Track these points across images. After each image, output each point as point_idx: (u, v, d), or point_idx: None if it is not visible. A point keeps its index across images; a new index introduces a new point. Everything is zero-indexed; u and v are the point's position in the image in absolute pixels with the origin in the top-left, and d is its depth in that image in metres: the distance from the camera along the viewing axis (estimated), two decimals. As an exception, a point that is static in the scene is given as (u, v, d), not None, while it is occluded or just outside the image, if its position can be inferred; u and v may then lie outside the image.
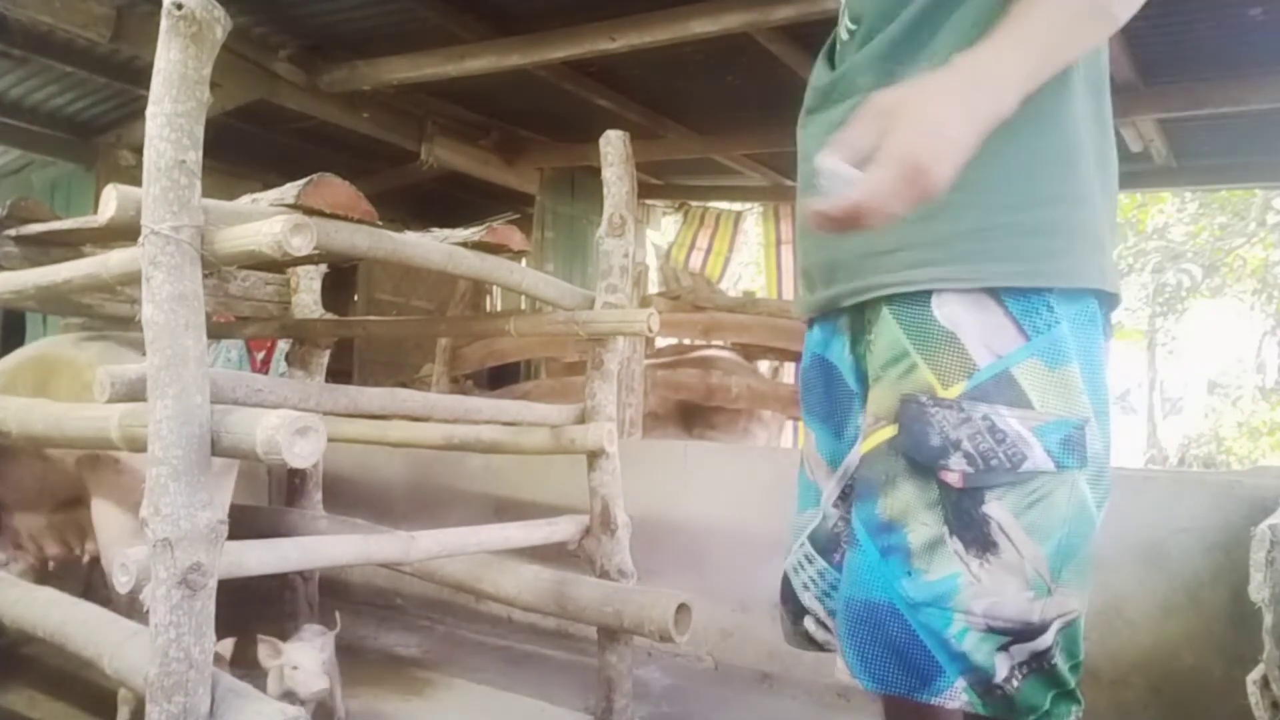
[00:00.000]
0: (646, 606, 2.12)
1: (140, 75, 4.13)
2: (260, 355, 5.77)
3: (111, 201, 1.56)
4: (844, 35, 1.12)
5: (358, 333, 4.32)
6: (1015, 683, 0.94)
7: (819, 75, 1.16)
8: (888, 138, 0.79)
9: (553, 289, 2.35)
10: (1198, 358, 16.24)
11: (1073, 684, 0.97)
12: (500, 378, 5.67)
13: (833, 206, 0.80)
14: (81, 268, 1.90)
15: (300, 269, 2.78)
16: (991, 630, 0.93)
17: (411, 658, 3.04)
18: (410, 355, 6.50)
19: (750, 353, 5.00)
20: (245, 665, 2.11)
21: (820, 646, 1.16)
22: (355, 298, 6.69)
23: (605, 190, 2.42)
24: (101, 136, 5.33)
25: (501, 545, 2.28)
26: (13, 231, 2.28)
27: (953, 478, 0.93)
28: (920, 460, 0.94)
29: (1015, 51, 0.84)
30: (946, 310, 0.96)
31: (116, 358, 2.16)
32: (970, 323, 0.95)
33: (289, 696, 1.99)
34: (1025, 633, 0.93)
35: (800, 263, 1.19)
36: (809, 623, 1.16)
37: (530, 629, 3.26)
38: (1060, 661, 0.96)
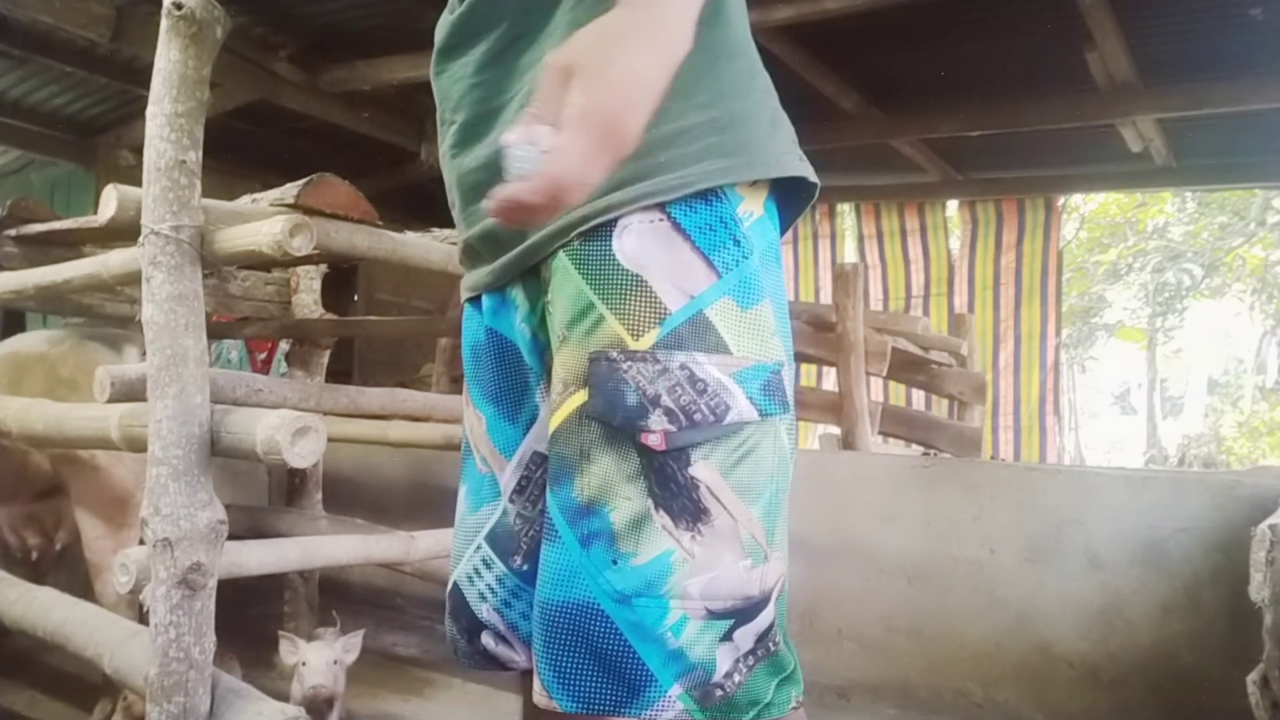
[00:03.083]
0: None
1: (140, 75, 4.13)
2: (261, 356, 5.77)
3: (111, 201, 1.57)
4: None
5: (358, 333, 4.33)
6: (738, 677, 0.84)
7: (451, 6, 1.01)
8: (570, 98, 0.69)
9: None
10: (1198, 358, 16.25)
11: (793, 664, 0.88)
12: (500, 378, 5.66)
13: (523, 189, 0.68)
14: (81, 268, 1.90)
15: (300, 269, 2.78)
16: (711, 615, 0.83)
17: (411, 658, 3.04)
18: (410, 355, 6.49)
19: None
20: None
21: (502, 665, 1.01)
22: (355, 298, 6.70)
23: (605, 190, 2.41)
24: (101, 136, 5.33)
25: (501, 545, 2.28)
26: (13, 231, 2.28)
27: (654, 439, 0.82)
28: (616, 424, 0.83)
29: None
30: (629, 249, 0.85)
31: (90, 354, 2.16)
32: (656, 261, 0.84)
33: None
34: (746, 610, 0.84)
35: (461, 236, 1.04)
36: (487, 638, 1.01)
37: (530, 629, 3.26)
38: (783, 640, 0.87)
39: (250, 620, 2.63)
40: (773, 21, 3.69)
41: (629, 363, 0.83)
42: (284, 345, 5.34)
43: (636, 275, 0.84)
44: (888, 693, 2.76)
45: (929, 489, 2.84)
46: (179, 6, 1.39)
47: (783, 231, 0.96)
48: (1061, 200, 6.86)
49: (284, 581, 2.78)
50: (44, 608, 1.80)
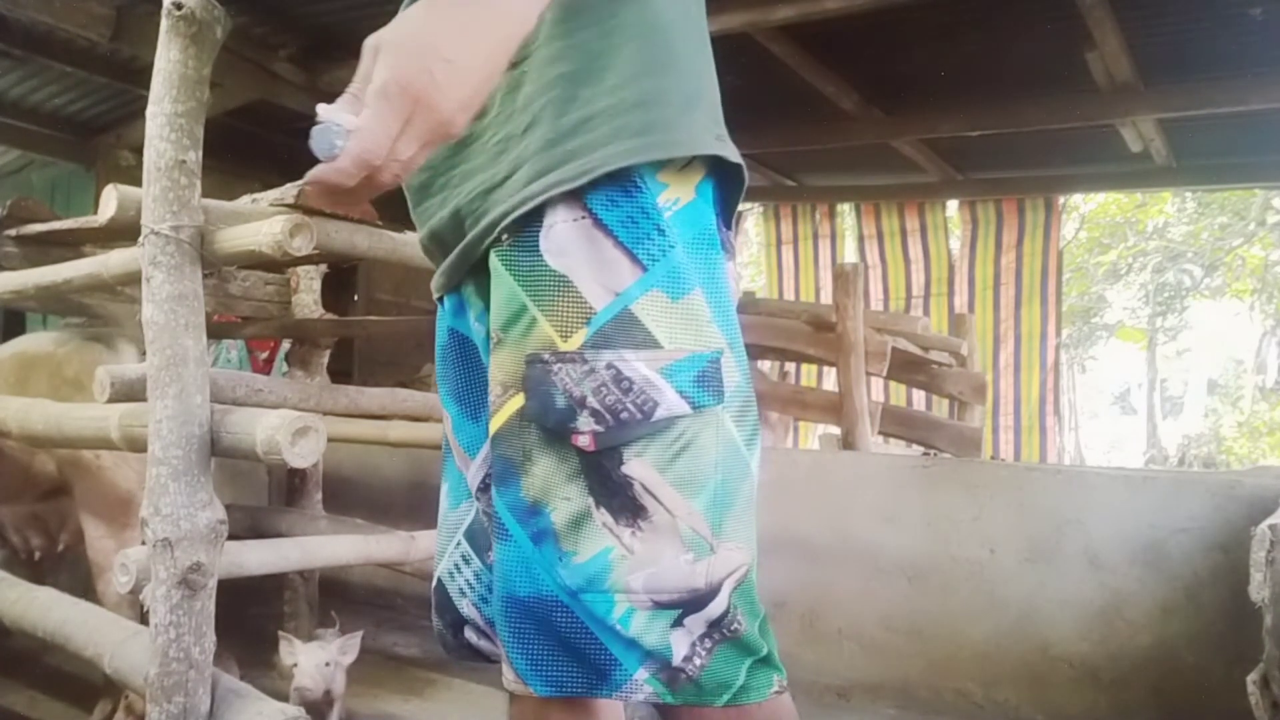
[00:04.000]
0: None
1: (140, 75, 4.13)
2: (264, 355, 5.76)
3: (111, 201, 1.57)
4: None
5: (358, 333, 4.33)
6: (699, 660, 0.84)
7: None
8: (374, 75, 0.68)
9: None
10: (1198, 358, 16.24)
11: (766, 649, 0.87)
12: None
13: (328, 170, 0.68)
14: (81, 268, 1.90)
15: (300, 269, 2.78)
16: (658, 606, 0.83)
17: (411, 658, 3.04)
18: (410, 355, 6.49)
19: (751, 353, 4.99)
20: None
21: (486, 658, 1.03)
22: (355, 298, 6.69)
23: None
24: (101, 136, 5.33)
25: (501, 545, 2.27)
26: (13, 231, 2.28)
27: (584, 440, 0.82)
28: (550, 427, 0.83)
29: None
30: (555, 250, 0.84)
31: (95, 355, 2.17)
32: (581, 260, 0.84)
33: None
34: (693, 602, 0.84)
35: (420, 240, 1.03)
36: (470, 633, 1.02)
37: (530, 629, 3.26)
38: (746, 625, 0.86)
39: (250, 620, 2.63)
40: (773, 21, 3.69)
41: (559, 364, 0.83)
42: (285, 345, 5.34)
43: (563, 276, 0.84)
44: (888, 693, 2.76)
45: (929, 489, 2.84)
46: (179, 6, 1.39)
47: (727, 216, 0.96)
48: (1061, 200, 6.85)
49: (284, 581, 2.78)
50: (44, 608, 1.80)
